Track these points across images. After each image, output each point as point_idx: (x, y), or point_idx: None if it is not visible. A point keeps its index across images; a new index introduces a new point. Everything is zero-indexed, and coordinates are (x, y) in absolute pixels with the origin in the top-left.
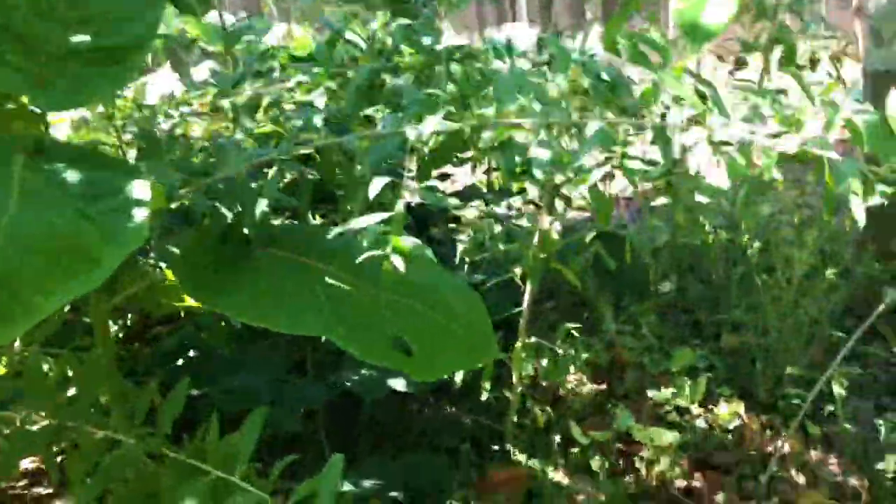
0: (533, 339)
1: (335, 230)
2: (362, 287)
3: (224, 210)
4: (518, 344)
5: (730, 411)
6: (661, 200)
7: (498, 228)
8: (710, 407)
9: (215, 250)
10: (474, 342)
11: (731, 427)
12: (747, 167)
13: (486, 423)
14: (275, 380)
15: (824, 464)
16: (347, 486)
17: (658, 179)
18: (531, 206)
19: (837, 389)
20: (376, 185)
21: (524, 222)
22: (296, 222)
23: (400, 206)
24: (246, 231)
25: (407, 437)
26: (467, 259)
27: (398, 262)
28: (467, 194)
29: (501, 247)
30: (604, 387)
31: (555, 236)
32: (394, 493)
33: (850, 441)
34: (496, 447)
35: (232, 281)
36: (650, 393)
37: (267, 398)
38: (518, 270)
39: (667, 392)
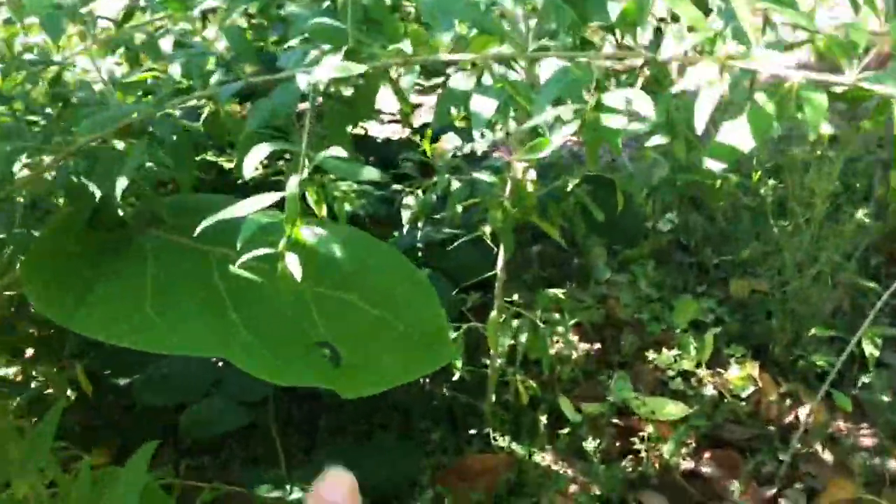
0: (513, 301)
1: (230, 208)
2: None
3: (93, 187)
4: (493, 313)
5: (742, 375)
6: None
7: (457, 183)
8: (720, 370)
9: (82, 239)
10: (424, 342)
11: (744, 395)
12: (779, 117)
13: (463, 400)
14: (217, 362)
15: (855, 438)
16: (299, 493)
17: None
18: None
19: (870, 350)
20: (256, 155)
21: (487, 176)
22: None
23: (293, 185)
24: (121, 212)
25: (373, 419)
26: (420, 222)
27: (294, 266)
28: (437, 128)
29: (459, 208)
30: (597, 347)
31: (529, 188)
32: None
33: (884, 410)
34: (475, 429)
35: (100, 280)
36: (650, 355)
37: (204, 388)
38: (488, 229)
39: (669, 354)
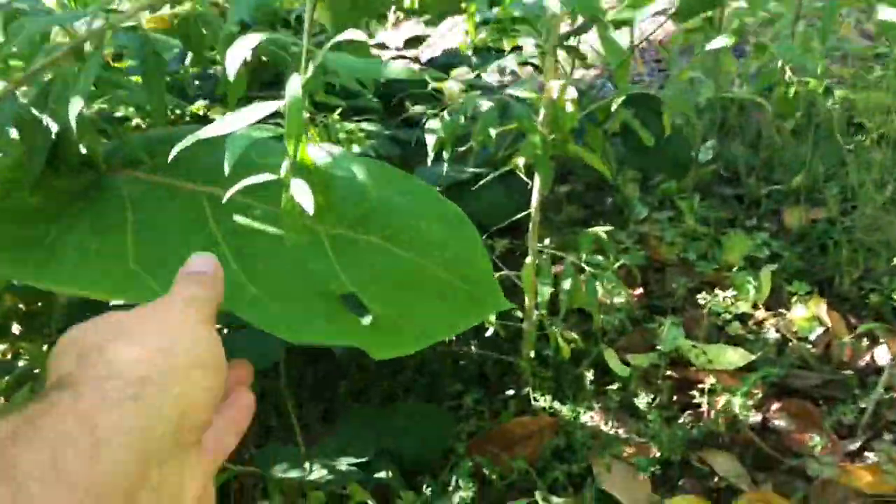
0: (544, 246)
1: (215, 124)
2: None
3: (48, 120)
4: (528, 259)
5: (808, 315)
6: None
7: (487, 104)
8: (781, 311)
9: (41, 187)
10: (467, 289)
11: (811, 337)
12: None
13: (497, 357)
14: (220, 329)
15: None
16: (320, 472)
17: None
18: (528, 69)
19: None
20: (244, 47)
21: (523, 92)
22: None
23: (294, 88)
24: (85, 150)
25: (397, 381)
26: (445, 153)
27: (303, 194)
28: (445, 62)
29: (493, 132)
30: (639, 292)
31: (570, 108)
32: (381, 456)
33: None
34: (511, 390)
35: (68, 234)
36: (702, 298)
37: None
38: (521, 160)
39: (724, 295)
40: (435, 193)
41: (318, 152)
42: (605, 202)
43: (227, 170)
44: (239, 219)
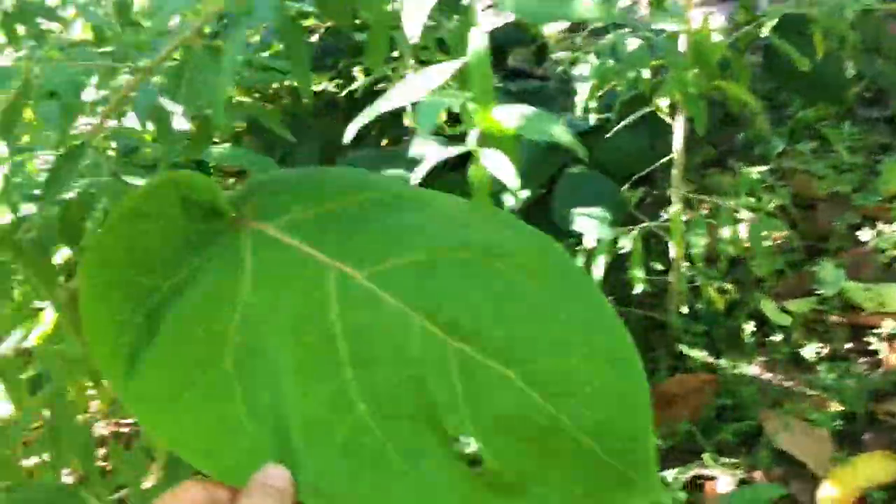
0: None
1: (385, 97)
2: (414, 320)
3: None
4: (674, 207)
5: None
6: None
7: (635, 41)
8: None
9: (167, 224)
10: (613, 466)
11: None
12: None
13: (642, 314)
14: None
15: None
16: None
17: None
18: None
19: None
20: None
21: (670, 24)
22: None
23: (479, 43)
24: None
25: None
26: (590, 104)
27: (500, 164)
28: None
29: (646, 73)
30: (785, 233)
31: (716, 38)
32: None
33: None
34: (661, 347)
35: (174, 295)
36: (862, 234)
37: None
38: (663, 101)
39: (889, 229)
40: (606, 315)
41: (505, 114)
42: (733, 139)
43: (419, 126)
44: (363, 317)
